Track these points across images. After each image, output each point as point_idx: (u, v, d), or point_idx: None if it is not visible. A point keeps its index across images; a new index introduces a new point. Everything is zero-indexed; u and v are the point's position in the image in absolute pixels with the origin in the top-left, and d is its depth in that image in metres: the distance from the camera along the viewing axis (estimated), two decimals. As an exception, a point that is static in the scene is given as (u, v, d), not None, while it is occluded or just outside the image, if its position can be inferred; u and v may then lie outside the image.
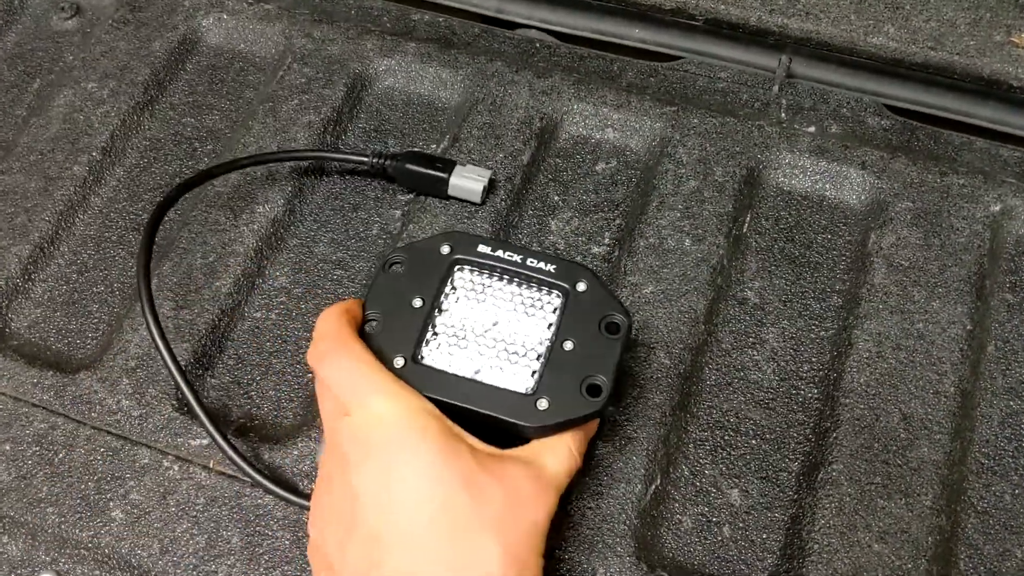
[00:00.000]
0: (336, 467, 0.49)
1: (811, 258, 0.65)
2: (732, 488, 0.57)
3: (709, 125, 0.69)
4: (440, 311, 0.53)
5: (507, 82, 0.71)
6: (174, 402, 0.59)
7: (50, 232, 0.67)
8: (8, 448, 0.59)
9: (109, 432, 0.59)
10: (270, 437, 0.59)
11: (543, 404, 0.50)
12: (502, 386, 0.51)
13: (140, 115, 0.72)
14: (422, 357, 0.52)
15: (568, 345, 0.52)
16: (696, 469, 0.58)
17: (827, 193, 0.67)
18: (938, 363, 0.59)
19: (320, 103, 0.71)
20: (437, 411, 0.49)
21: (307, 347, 0.61)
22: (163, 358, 0.56)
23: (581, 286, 0.53)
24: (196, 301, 0.63)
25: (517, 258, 0.54)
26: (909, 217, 0.65)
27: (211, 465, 0.57)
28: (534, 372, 0.52)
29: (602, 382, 0.51)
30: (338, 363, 0.50)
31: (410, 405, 0.48)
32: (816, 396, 0.60)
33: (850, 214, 0.67)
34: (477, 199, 0.66)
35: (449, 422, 0.49)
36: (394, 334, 0.52)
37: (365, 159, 0.66)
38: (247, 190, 0.67)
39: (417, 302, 0.53)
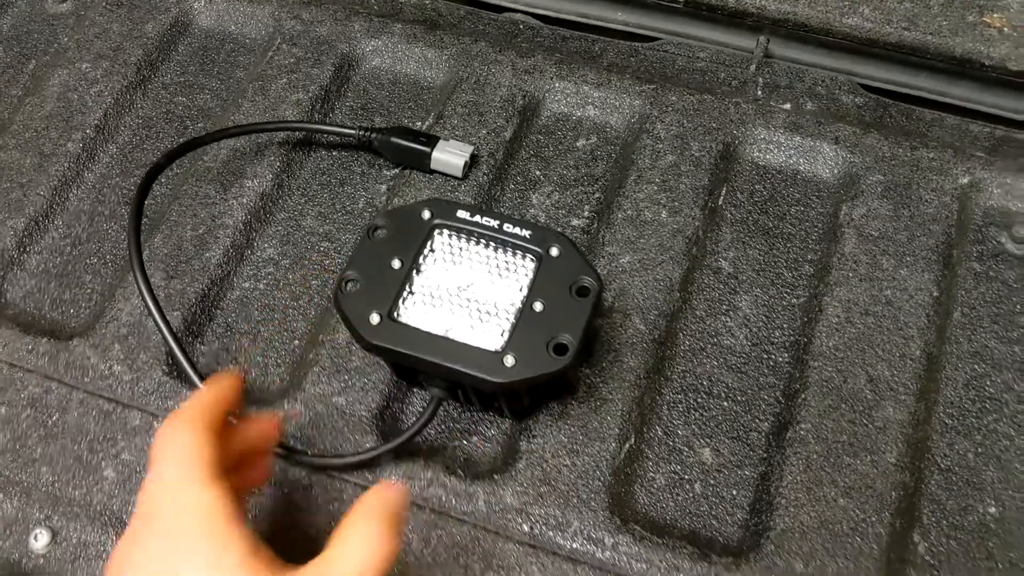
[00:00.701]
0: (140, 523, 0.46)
1: (784, 229, 0.67)
2: (704, 447, 0.59)
3: (687, 102, 0.71)
4: (418, 272, 0.55)
5: (490, 61, 0.73)
6: (164, 367, 0.61)
7: (44, 206, 0.69)
8: (3, 411, 0.60)
9: (101, 396, 0.61)
10: (258, 399, 0.60)
11: (510, 361, 0.52)
12: (472, 343, 0.53)
13: (132, 94, 0.74)
14: (398, 315, 0.54)
15: (538, 306, 0.54)
16: (669, 429, 0.59)
17: (801, 167, 0.69)
18: (905, 328, 0.61)
19: (308, 82, 0.73)
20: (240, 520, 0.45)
21: (294, 316, 0.63)
22: (153, 317, 0.58)
23: (555, 251, 0.55)
24: (187, 272, 0.65)
25: (494, 223, 0.56)
26: (880, 189, 0.67)
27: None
28: (504, 331, 0.54)
29: (568, 341, 0.53)
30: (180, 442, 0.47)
31: (217, 506, 0.45)
32: (786, 360, 0.61)
33: (823, 187, 0.68)
34: (459, 173, 0.67)
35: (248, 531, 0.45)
36: (372, 293, 0.54)
37: (352, 131, 0.68)
38: (236, 165, 0.69)
39: (396, 263, 0.55)
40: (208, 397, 0.49)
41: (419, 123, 0.72)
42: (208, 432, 0.47)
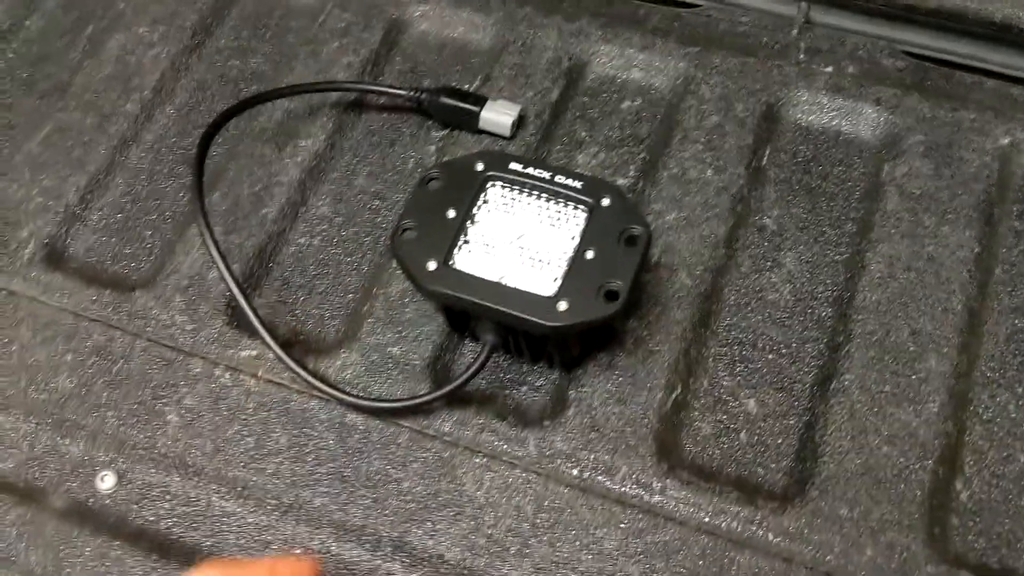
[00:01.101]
0: None
1: (827, 188, 0.68)
2: (749, 398, 0.60)
3: (730, 65, 0.72)
4: (472, 222, 0.57)
5: (537, 25, 0.75)
6: (224, 317, 0.63)
7: (105, 164, 0.71)
8: (70, 358, 0.63)
9: (163, 344, 0.63)
10: (314, 350, 0.62)
11: (563, 306, 0.54)
12: (526, 289, 0.54)
13: (188, 58, 0.76)
14: (453, 262, 0.55)
15: (589, 255, 0.55)
16: (715, 381, 0.61)
17: (843, 128, 0.70)
18: (946, 283, 0.62)
19: (359, 46, 0.75)
20: None
21: (348, 270, 0.65)
22: (217, 266, 0.60)
23: (606, 201, 0.57)
24: (244, 227, 0.67)
25: (546, 175, 0.57)
26: (921, 149, 0.68)
27: (259, 374, 0.61)
28: (556, 278, 0.55)
29: (619, 287, 0.54)
30: None
31: None
32: (830, 315, 0.63)
33: (864, 148, 0.69)
34: (507, 132, 0.69)
35: None
36: (428, 240, 0.56)
37: (403, 92, 0.70)
38: (291, 126, 0.71)
39: (451, 213, 0.56)
40: None
41: (466, 86, 0.73)
42: None
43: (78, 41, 0.78)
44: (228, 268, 0.60)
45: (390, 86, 0.72)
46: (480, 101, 0.69)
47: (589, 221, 0.56)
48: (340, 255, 0.67)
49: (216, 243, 0.61)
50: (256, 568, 0.49)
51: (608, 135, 0.71)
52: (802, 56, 0.74)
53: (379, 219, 0.68)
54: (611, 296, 0.54)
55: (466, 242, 0.56)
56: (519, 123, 0.70)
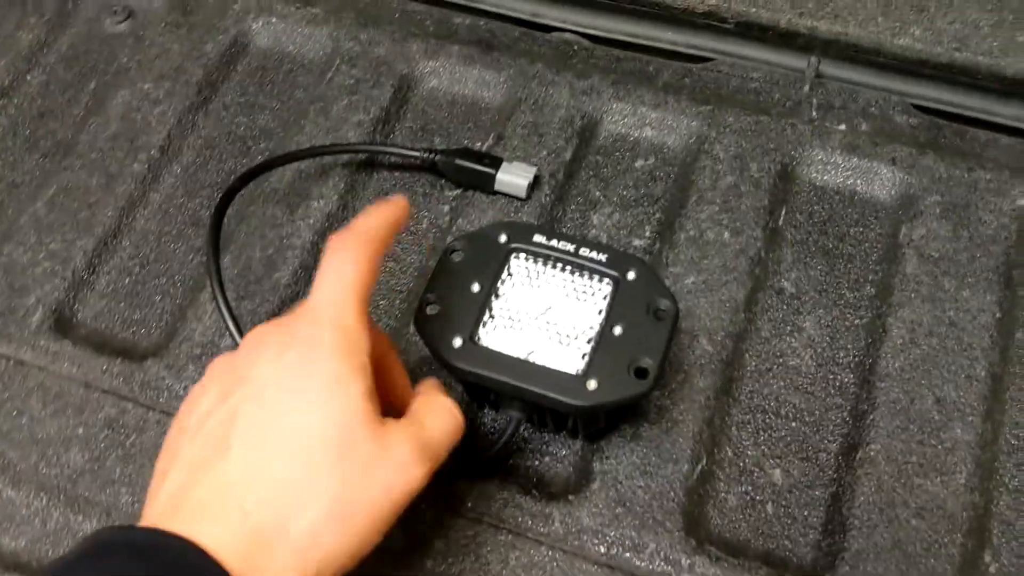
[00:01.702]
0: (255, 339, 0.49)
1: (844, 250, 0.67)
2: (774, 468, 0.60)
3: (744, 123, 0.72)
4: (497, 296, 0.56)
5: (548, 83, 0.74)
6: (239, 387, 0.62)
7: (113, 227, 0.70)
8: (81, 432, 0.61)
9: (177, 416, 0.61)
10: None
11: (592, 385, 0.53)
12: (553, 367, 0.54)
13: (195, 115, 0.75)
14: (479, 338, 0.54)
15: (617, 330, 0.55)
16: (739, 450, 0.60)
17: (858, 188, 0.70)
18: (969, 349, 0.62)
19: (369, 103, 0.74)
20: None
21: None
22: (231, 333, 0.58)
23: (631, 275, 0.56)
24: (257, 292, 0.66)
25: (571, 247, 0.57)
26: (938, 210, 0.67)
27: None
28: (584, 355, 0.54)
29: (649, 365, 0.53)
30: (344, 270, 0.48)
31: (356, 345, 0.47)
32: (852, 381, 0.62)
33: (881, 208, 0.69)
34: (522, 194, 0.68)
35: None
36: (453, 316, 0.55)
37: (416, 153, 0.69)
38: (301, 187, 0.70)
39: (475, 287, 0.56)
40: (377, 219, 0.51)
41: (479, 144, 0.72)
42: (372, 260, 0.49)
43: (81, 97, 0.77)
44: (242, 337, 0.59)
45: (404, 147, 0.71)
46: (496, 163, 0.68)
47: (615, 295, 0.56)
48: (354, 320, 0.66)
49: (231, 310, 0.60)
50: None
51: (623, 194, 0.70)
52: (815, 113, 0.74)
53: (393, 281, 0.67)
54: (641, 373, 0.53)
55: (491, 317, 0.55)
56: (534, 184, 0.69)
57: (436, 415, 0.49)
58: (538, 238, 0.57)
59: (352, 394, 0.45)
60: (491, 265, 0.57)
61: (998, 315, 0.63)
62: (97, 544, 0.43)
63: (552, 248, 0.57)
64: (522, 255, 0.57)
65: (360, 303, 0.48)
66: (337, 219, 0.69)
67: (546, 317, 0.56)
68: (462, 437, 0.50)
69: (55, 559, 0.44)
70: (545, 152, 0.71)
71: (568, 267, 0.57)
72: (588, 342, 0.55)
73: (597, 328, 0.55)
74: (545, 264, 0.57)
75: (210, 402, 0.47)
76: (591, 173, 0.71)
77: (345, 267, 0.48)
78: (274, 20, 0.79)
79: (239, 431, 0.45)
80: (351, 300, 0.47)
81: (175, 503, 0.45)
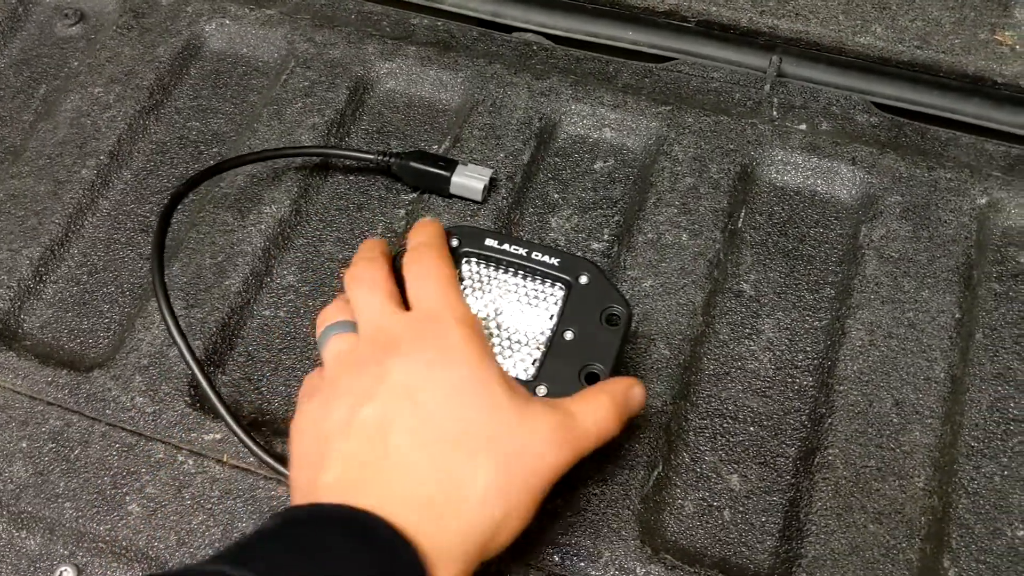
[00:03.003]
0: (377, 347, 0.50)
1: (804, 251, 0.67)
2: (732, 473, 0.59)
3: (704, 124, 0.71)
4: (448, 303, 0.55)
5: (506, 84, 0.73)
6: (187, 398, 0.61)
7: (60, 234, 0.68)
8: (25, 445, 0.60)
9: (123, 428, 0.60)
10: (282, 431, 0.60)
11: (542, 391, 0.52)
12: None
13: (146, 119, 0.74)
14: (430, 347, 0.53)
15: (569, 335, 0.54)
16: (696, 456, 0.59)
17: (819, 188, 0.69)
18: (928, 350, 0.61)
19: (324, 106, 0.72)
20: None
21: (316, 343, 0.63)
22: (179, 349, 0.57)
23: (584, 279, 0.55)
24: (206, 300, 0.64)
25: (522, 251, 0.56)
26: (899, 210, 0.67)
27: (224, 459, 0.59)
28: (535, 360, 0.53)
29: (600, 370, 0.52)
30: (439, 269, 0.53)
31: (479, 332, 0.50)
32: (811, 384, 0.61)
33: (841, 208, 0.68)
34: (478, 197, 0.67)
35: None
36: None
37: (371, 156, 0.68)
38: (253, 191, 0.69)
39: (426, 294, 0.54)
40: (436, 228, 0.56)
41: (435, 146, 0.71)
42: (450, 262, 0.54)
43: (31, 102, 0.76)
44: (190, 348, 0.57)
45: (358, 150, 0.70)
46: (451, 165, 0.67)
47: (567, 300, 0.55)
48: (307, 327, 0.64)
49: (176, 321, 0.58)
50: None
51: (582, 197, 0.69)
52: (775, 113, 0.73)
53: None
54: (591, 379, 0.52)
55: (441, 324, 0.54)
56: (491, 186, 0.68)
57: (590, 408, 0.50)
58: (490, 242, 0.56)
59: (492, 379, 0.48)
60: (441, 270, 0.55)
61: (958, 316, 0.63)
62: (297, 519, 0.45)
63: (504, 252, 0.56)
64: (473, 260, 0.56)
65: (461, 295, 0.52)
66: (289, 224, 0.68)
67: (496, 322, 0.55)
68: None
69: (248, 534, 0.45)
70: (503, 154, 0.70)
71: (520, 272, 0.56)
72: (539, 348, 0.54)
73: (548, 333, 0.54)
74: (496, 269, 0.56)
75: (349, 405, 0.48)
76: (550, 175, 0.70)
77: (438, 269, 0.52)
78: (228, 22, 0.78)
79: (396, 427, 0.47)
80: (457, 294, 0.51)
81: (343, 487, 0.46)
